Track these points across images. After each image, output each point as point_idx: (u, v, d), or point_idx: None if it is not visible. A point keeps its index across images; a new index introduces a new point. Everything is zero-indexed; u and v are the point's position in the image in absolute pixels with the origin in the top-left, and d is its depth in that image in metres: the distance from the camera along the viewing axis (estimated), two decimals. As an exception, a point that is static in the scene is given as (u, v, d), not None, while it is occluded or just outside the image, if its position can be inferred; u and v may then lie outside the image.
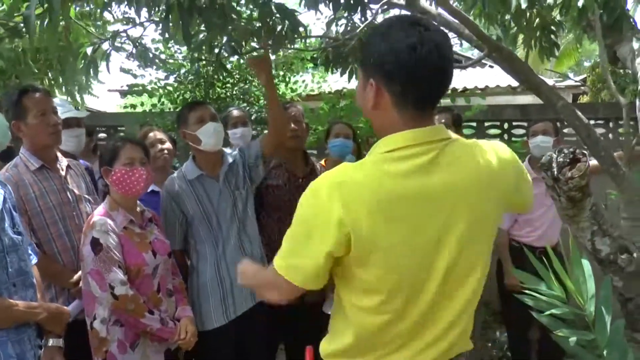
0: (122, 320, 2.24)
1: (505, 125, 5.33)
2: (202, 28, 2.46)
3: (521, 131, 5.26)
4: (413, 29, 1.20)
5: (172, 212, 2.68)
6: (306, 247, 1.23)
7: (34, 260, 2.19)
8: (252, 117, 5.02)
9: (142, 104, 5.88)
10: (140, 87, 5.46)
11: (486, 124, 5.38)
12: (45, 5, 1.56)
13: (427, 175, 1.20)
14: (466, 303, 1.30)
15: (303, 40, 4.72)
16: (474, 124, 5.40)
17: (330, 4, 2.51)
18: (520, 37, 3.10)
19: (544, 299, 2.06)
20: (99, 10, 2.61)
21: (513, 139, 5.26)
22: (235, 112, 3.48)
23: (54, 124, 2.49)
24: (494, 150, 1.32)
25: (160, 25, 1.82)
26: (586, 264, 2.14)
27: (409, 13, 2.74)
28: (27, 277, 2.04)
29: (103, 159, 2.40)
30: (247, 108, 5.12)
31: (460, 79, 9.56)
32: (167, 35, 1.91)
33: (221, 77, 5.33)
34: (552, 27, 2.87)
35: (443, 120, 3.09)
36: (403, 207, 1.19)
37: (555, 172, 2.06)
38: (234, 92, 5.48)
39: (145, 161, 2.40)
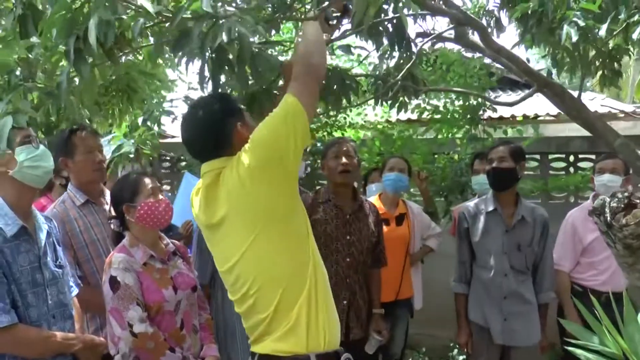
0: (142, 358, 2.18)
1: (571, 158, 5.06)
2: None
3: (589, 164, 4.97)
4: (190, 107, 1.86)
5: (207, 247, 2.66)
6: None
7: (75, 292, 2.30)
8: (308, 150, 5.03)
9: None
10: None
11: (550, 156, 5.13)
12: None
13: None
14: None
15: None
16: (538, 157, 5.18)
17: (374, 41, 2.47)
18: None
19: (593, 357, 1.88)
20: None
21: (580, 172, 4.98)
22: None
23: (99, 161, 2.62)
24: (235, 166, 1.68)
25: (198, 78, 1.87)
26: (644, 319, 1.95)
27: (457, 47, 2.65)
28: (66, 309, 2.15)
29: (121, 197, 2.30)
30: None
31: (524, 105, 9.01)
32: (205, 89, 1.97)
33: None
34: (616, 55, 2.71)
35: (501, 154, 2.95)
36: None
37: (609, 218, 1.92)
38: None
39: (162, 190, 2.37)
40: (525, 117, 8.65)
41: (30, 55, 1.83)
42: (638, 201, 1.87)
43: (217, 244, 1.80)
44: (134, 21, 1.55)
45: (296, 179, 1.75)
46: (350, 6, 2.02)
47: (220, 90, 2.01)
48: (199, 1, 1.44)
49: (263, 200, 1.64)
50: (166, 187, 6.10)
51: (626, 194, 1.89)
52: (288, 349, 1.66)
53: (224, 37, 1.47)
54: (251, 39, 1.67)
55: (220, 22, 1.49)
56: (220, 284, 2.70)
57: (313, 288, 1.70)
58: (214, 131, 1.76)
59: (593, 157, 4.93)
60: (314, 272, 1.72)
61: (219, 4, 1.61)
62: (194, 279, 2.42)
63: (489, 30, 3.40)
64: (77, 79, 1.95)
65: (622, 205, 1.88)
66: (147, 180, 2.31)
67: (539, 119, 8.94)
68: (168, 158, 6.28)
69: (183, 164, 6.02)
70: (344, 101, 2.43)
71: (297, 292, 1.67)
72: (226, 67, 1.76)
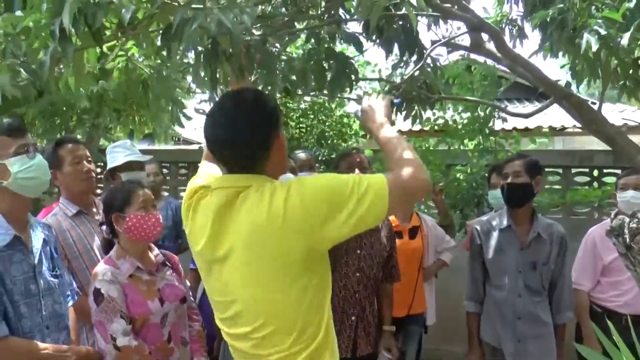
0: None
1: (595, 172, 4.89)
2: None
3: (613, 179, 4.79)
4: (217, 104, 1.58)
5: None
6: None
7: (71, 302, 2.27)
8: (321, 159, 4.97)
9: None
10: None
11: (573, 170, 4.96)
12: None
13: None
14: None
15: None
16: (560, 171, 5.01)
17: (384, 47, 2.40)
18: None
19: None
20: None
21: (602, 187, 4.81)
22: (301, 155, 3.47)
23: (87, 171, 2.61)
24: (284, 197, 1.42)
25: (191, 70, 1.81)
26: (664, 348, 1.81)
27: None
28: (62, 320, 2.12)
29: (112, 205, 2.28)
30: (316, 149, 5.07)
31: (549, 116, 8.69)
32: (198, 81, 1.89)
33: (295, 117, 5.34)
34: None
35: (516, 169, 2.84)
36: None
37: (628, 240, 1.80)
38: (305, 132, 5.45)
39: (156, 204, 2.35)
40: (551, 128, 8.46)
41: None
42: (660, 222, 1.75)
43: (219, 272, 1.55)
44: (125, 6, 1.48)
45: (331, 245, 1.52)
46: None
47: (216, 82, 1.90)
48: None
49: (284, 252, 1.43)
50: (182, 195, 6.08)
51: (646, 214, 1.78)
52: None
53: (213, 28, 1.39)
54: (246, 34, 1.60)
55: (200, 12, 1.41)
56: None
57: (324, 338, 1.54)
58: (257, 133, 1.50)
59: (618, 171, 4.75)
60: (328, 321, 1.56)
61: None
62: (183, 290, 2.38)
63: (511, 39, 3.30)
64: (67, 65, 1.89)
65: (643, 226, 1.77)
66: (141, 192, 2.29)
67: (567, 130, 8.74)
68: (185, 165, 6.25)
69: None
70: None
71: (309, 342, 1.51)
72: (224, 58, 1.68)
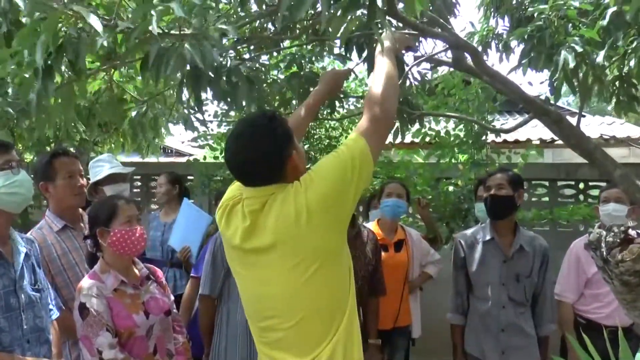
0: None
1: (581, 185, 4.93)
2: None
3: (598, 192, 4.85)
4: (234, 130, 1.68)
5: (222, 258, 2.65)
6: None
7: (55, 315, 2.26)
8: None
9: (204, 158, 6.06)
10: (202, 139, 5.64)
11: (559, 183, 5.01)
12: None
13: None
14: None
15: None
16: (546, 183, 5.06)
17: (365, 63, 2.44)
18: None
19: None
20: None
21: (589, 200, 4.85)
22: None
23: (80, 186, 2.61)
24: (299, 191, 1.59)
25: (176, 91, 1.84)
26: (641, 360, 1.83)
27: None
28: (43, 334, 2.11)
29: (97, 219, 2.29)
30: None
31: (540, 129, 8.74)
32: (183, 101, 1.93)
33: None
34: (632, 80, 2.61)
35: (499, 182, 2.88)
36: None
37: (604, 253, 1.83)
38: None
39: (140, 218, 2.36)
40: (541, 140, 8.53)
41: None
42: (635, 236, 1.78)
43: (252, 270, 1.71)
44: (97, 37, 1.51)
45: (349, 220, 1.68)
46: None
47: (201, 104, 1.97)
48: (149, 22, 1.40)
49: (316, 242, 1.58)
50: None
51: (622, 228, 1.81)
52: None
53: (187, 57, 1.43)
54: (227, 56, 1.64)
55: (177, 44, 1.45)
56: (225, 300, 2.71)
57: (349, 325, 1.65)
58: (271, 156, 1.63)
59: (603, 184, 4.81)
60: (353, 309, 1.67)
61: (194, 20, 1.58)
62: (167, 303, 2.40)
63: (497, 53, 3.35)
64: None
65: (618, 240, 1.80)
66: (126, 207, 2.30)
67: (556, 142, 8.80)
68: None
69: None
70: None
71: (336, 328, 1.63)
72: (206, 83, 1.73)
